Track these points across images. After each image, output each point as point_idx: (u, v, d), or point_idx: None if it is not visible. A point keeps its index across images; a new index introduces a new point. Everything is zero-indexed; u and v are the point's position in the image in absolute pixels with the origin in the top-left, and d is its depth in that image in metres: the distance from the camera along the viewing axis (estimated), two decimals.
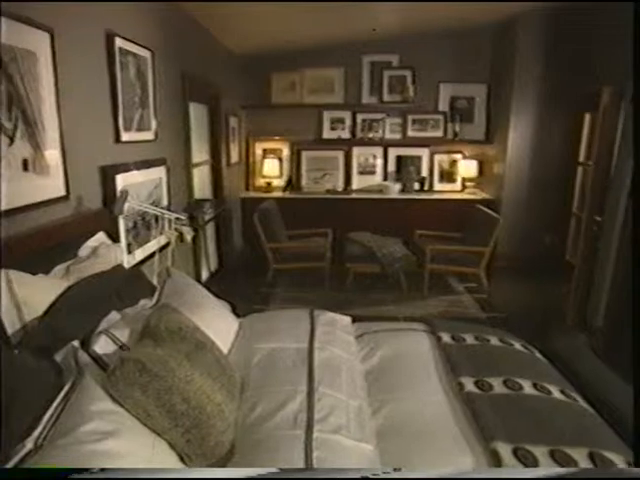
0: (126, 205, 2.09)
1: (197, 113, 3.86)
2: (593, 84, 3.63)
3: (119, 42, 2.26)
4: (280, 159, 5.26)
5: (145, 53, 2.59)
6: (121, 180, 2.27)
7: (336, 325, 2.02)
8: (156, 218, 2.62)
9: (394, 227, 4.51)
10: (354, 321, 2.18)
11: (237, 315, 2.19)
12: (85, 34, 2.04)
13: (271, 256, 4.09)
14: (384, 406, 1.59)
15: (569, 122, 4.42)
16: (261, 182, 5.30)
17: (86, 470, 0.92)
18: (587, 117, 4.24)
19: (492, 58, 4.92)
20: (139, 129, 2.55)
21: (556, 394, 1.69)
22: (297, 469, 1.17)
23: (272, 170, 5.20)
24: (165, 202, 2.85)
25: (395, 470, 1.18)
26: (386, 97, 5.10)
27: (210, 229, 4.28)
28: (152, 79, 2.68)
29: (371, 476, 1.09)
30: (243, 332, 1.96)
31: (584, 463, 1.36)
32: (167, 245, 2.60)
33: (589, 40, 4.12)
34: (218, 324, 1.83)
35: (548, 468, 1.20)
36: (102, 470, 0.94)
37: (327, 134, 5.23)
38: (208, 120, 4.18)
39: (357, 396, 1.59)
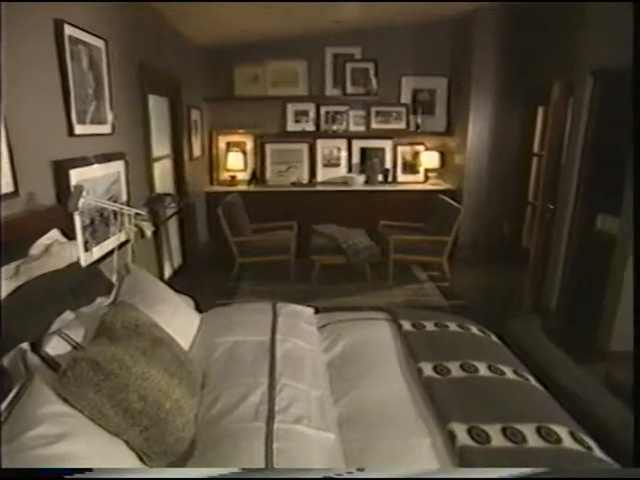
0: (81, 201, 2.03)
1: (157, 106, 3.77)
2: (545, 79, 3.77)
3: (69, 30, 2.17)
4: (244, 152, 5.22)
5: (98, 42, 2.49)
6: (76, 175, 2.19)
7: (299, 317, 2.03)
8: (115, 214, 2.55)
9: (359, 218, 4.57)
10: (318, 312, 2.20)
11: (200, 311, 2.17)
12: (32, 22, 1.95)
13: (236, 250, 4.06)
14: (346, 394, 1.63)
15: (524, 115, 4.59)
16: (225, 176, 5.24)
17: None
18: (540, 110, 4.41)
19: (452, 52, 5.02)
20: (94, 122, 2.47)
21: (509, 374, 1.77)
22: (259, 469, 1.17)
23: (236, 164, 5.15)
24: (125, 197, 2.78)
25: (358, 470, 1.20)
26: (349, 89, 5.13)
27: (173, 224, 4.21)
28: (107, 70, 2.59)
29: (334, 476, 1.10)
30: (205, 327, 1.95)
31: (532, 437, 1.43)
32: (127, 242, 2.54)
33: (541, 37, 4.27)
34: (178, 320, 1.82)
35: (512, 469, 1.22)
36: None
37: (291, 127, 5.22)
38: (169, 113, 4.09)
39: (319, 386, 1.61)
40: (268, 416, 1.35)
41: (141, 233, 2.53)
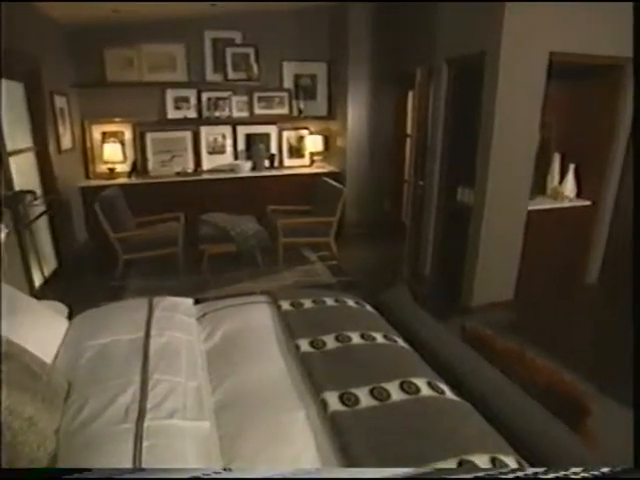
0: None
1: (11, 92, 3.36)
2: (411, 65, 4.06)
3: None
4: (122, 143, 4.88)
5: None
6: None
7: (177, 309, 2.00)
8: None
9: (247, 205, 4.57)
10: (198, 303, 2.19)
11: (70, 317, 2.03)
12: None
13: (119, 247, 3.83)
14: (225, 381, 1.64)
15: (397, 99, 4.91)
16: (103, 168, 4.86)
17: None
18: (410, 94, 4.74)
19: (329, 38, 5.15)
20: None
21: (380, 339, 1.92)
22: (127, 469, 1.15)
23: (114, 155, 4.80)
24: None
25: (225, 470, 1.22)
26: (231, 75, 5.03)
27: (43, 225, 3.83)
28: None
29: (202, 476, 1.12)
30: (72, 332, 1.83)
31: (396, 392, 1.58)
32: None
33: (406, 25, 4.57)
34: (40, 330, 1.69)
35: (395, 469, 1.23)
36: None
37: (172, 114, 4.99)
38: (26, 100, 3.67)
39: (197, 376, 1.61)
40: (139, 415, 1.32)
41: None
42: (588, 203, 3.53)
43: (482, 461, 1.31)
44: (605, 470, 1.17)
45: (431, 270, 3.71)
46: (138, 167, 4.91)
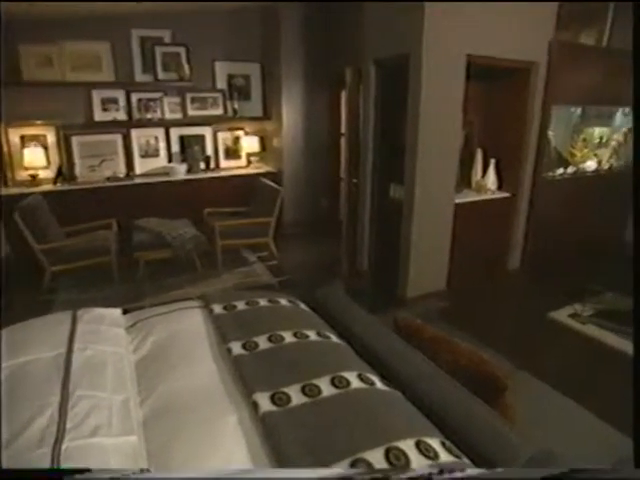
0: None
1: None
2: (342, 65, 4.14)
3: None
4: (45, 147, 4.60)
5: None
6: None
7: (103, 320, 1.92)
8: None
9: (183, 209, 4.47)
10: (127, 312, 2.12)
11: None
12: None
13: (45, 259, 3.61)
14: (154, 391, 1.60)
15: (330, 98, 4.99)
16: (24, 175, 4.55)
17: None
18: (343, 94, 4.83)
19: (262, 38, 5.12)
20: None
21: (313, 337, 1.95)
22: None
23: (36, 160, 4.51)
24: None
25: (142, 471, 1.20)
26: (161, 75, 4.87)
27: None
28: None
29: (121, 476, 1.10)
30: None
31: (326, 388, 1.61)
32: None
33: (337, 26, 4.65)
34: None
35: (334, 469, 1.24)
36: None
37: (99, 116, 4.76)
38: None
39: (124, 389, 1.56)
40: (57, 437, 1.25)
41: None
42: (508, 195, 3.79)
43: (407, 446, 1.37)
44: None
45: (368, 265, 3.82)
46: (64, 173, 4.65)
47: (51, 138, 4.66)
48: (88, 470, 0.93)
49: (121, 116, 4.81)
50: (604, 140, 4.35)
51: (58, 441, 1.25)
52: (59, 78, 4.51)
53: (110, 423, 1.37)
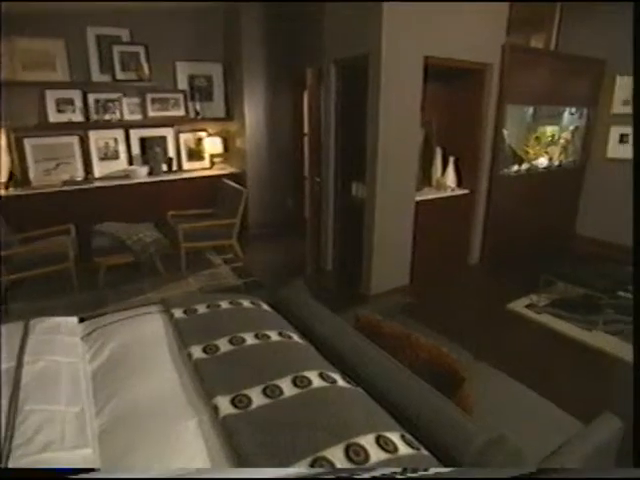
0: None
1: None
2: (303, 65, 4.15)
3: None
4: None
5: None
6: None
7: (57, 330, 1.87)
8: None
9: (146, 212, 4.38)
10: (83, 320, 2.06)
11: None
12: None
13: None
14: (112, 400, 1.56)
15: (292, 98, 4.99)
16: None
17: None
18: (305, 94, 4.84)
19: (224, 38, 5.07)
20: None
21: (274, 337, 1.95)
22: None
23: None
24: None
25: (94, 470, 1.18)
26: (119, 75, 4.75)
27: None
28: None
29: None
30: None
31: (288, 388, 1.61)
32: None
33: (297, 26, 4.66)
34: None
35: (298, 469, 1.23)
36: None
37: (54, 117, 4.60)
38: None
39: (79, 401, 1.52)
40: (3, 455, 1.22)
41: None
42: (467, 191, 3.90)
43: (367, 441, 1.39)
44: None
45: (332, 264, 3.85)
46: (17, 177, 4.47)
47: (1, 141, 4.47)
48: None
49: (77, 117, 4.67)
50: (555, 138, 4.54)
51: (5, 459, 1.20)
52: (9, 77, 4.33)
53: (63, 437, 1.33)
